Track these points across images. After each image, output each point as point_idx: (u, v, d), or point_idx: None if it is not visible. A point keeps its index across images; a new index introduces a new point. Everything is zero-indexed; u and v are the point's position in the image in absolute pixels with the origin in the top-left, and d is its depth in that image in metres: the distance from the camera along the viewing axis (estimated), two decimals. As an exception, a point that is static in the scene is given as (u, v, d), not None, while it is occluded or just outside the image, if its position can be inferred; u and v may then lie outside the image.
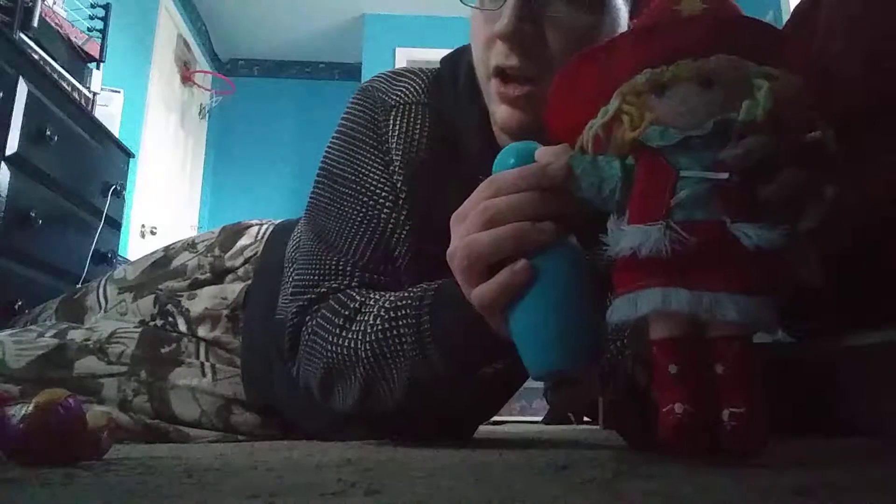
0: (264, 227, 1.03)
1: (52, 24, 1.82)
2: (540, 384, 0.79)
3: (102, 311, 0.98)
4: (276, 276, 0.81)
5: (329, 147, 0.77)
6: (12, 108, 1.43)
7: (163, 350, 0.89)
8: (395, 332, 0.59)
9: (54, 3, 1.97)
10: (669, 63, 0.41)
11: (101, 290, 1.01)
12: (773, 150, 0.39)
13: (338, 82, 4.76)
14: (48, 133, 1.54)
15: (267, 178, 4.57)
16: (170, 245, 1.07)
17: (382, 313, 0.61)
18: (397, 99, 0.74)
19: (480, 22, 0.64)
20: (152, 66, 3.53)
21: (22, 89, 1.46)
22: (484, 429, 1.28)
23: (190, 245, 1.04)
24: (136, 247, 3.14)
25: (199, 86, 4.32)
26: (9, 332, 0.92)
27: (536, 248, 0.45)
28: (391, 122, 0.73)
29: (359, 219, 0.70)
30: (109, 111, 2.10)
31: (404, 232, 0.70)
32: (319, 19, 4.34)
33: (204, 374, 0.89)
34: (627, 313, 0.39)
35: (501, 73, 0.62)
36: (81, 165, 1.78)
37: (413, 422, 0.69)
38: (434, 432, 0.72)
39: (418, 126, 0.72)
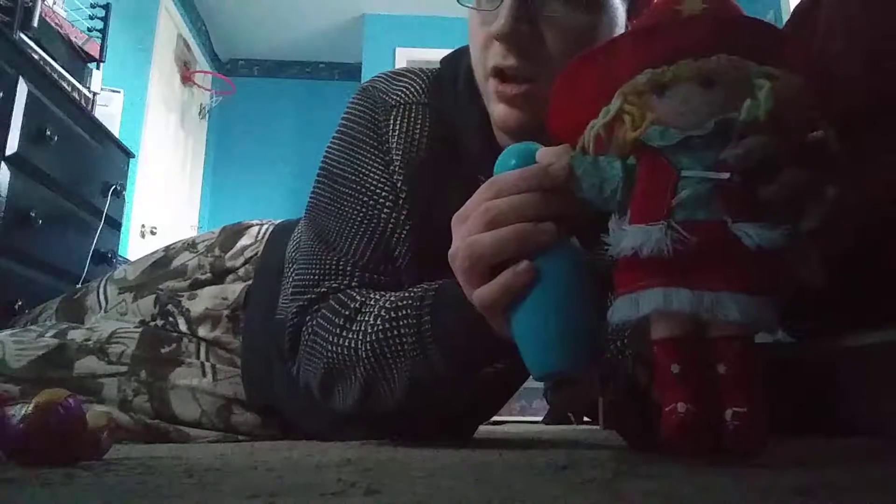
0: (265, 227, 1.04)
1: (52, 24, 1.82)
2: (540, 384, 0.79)
3: (103, 311, 0.98)
4: (277, 277, 0.81)
5: (329, 147, 0.77)
6: (12, 108, 1.43)
7: (163, 350, 0.89)
8: (395, 332, 0.59)
9: (54, 3, 1.97)
10: (670, 63, 0.41)
11: (101, 291, 1.01)
12: (773, 150, 0.39)
13: (338, 82, 4.76)
14: (48, 133, 1.54)
15: (267, 178, 4.57)
16: (170, 245, 1.07)
17: (383, 313, 0.61)
18: (398, 99, 0.74)
19: (477, 22, 0.64)
20: (152, 66, 3.53)
21: (22, 89, 1.46)
22: (484, 429, 1.28)
23: (190, 245, 1.04)
24: (136, 247, 3.14)
25: (199, 86, 4.32)
26: (9, 332, 0.92)
27: (538, 249, 0.45)
28: (391, 121, 0.73)
29: (359, 218, 0.70)
30: (109, 111, 2.10)
31: (404, 232, 0.70)
32: (319, 19, 4.34)
33: (204, 374, 0.89)
34: (629, 313, 0.39)
35: (499, 73, 0.62)
36: (81, 165, 1.78)
37: (413, 422, 0.69)
38: (434, 432, 0.72)
39: (418, 126, 0.72)
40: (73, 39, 1.95)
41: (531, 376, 0.49)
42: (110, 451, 0.50)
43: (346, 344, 0.63)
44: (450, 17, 3.75)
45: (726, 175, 0.39)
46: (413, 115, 0.73)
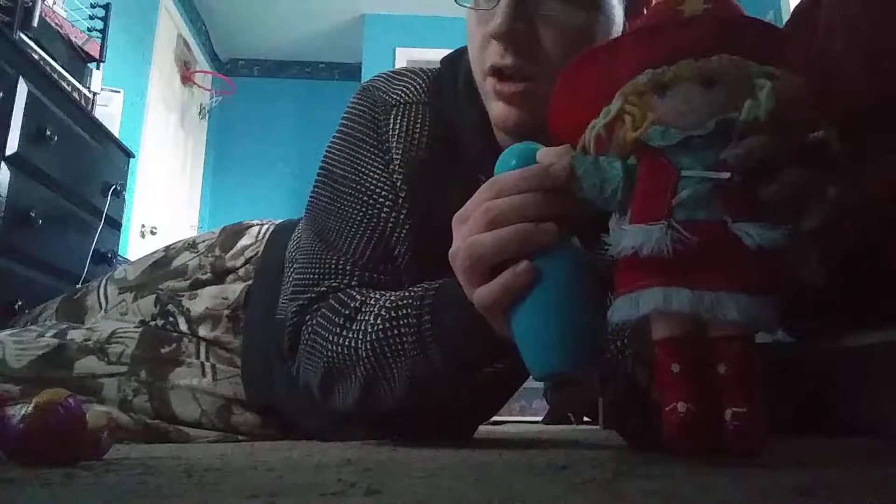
0: (265, 227, 1.04)
1: (52, 24, 1.82)
2: (540, 384, 0.79)
3: (103, 311, 0.98)
4: (277, 277, 0.81)
5: (329, 146, 0.77)
6: (12, 108, 1.43)
7: (163, 350, 0.89)
8: (395, 331, 0.59)
9: (54, 3, 1.97)
10: (671, 63, 0.41)
11: (101, 291, 1.01)
12: (774, 149, 0.39)
13: (338, 82, 4.76)
14: (48, 133, 1.54)
15: (267, 178, 4.57)
16: (170, 245, 1.07)
17: (383, 313, 0.61)
18: (398, 98, 0.74)
19: (475, 22, 0.64)
20: (152, 66, 3.53)
21: (22, 89, 1.46)
22: (484, 429, 1.28)
23: (191, 245, 1.04)
24: (136, 247, 3.14)
25: (199, 86, 4.32)
26: (9, 331, 0.92)
27: (539, 250, 0.45)
28: (391, 120, 0.73)
29: (359, 218, 0.71)
30: (109, 111, 2.10)
31: (404, 231, 0.70)
32: (319, 19, 4.34)
33: (204, 374, 0.89)
34: (629, 313, 0.39)
35: (497, 72, 0.62)
36: (81, 165, 1.78)
37: (413, 421, 0.69)
38: (434, 432, 0.72)
39: (419, 125, 0.72)
40: (73, 39, 1.95)
41: (531, 376, 0.49)
42: (110, 451, 0.50)
43: (346, 343, 0.63)
44: (450, 17, 3.74)
45: (727, 175, 0.39)
46: (413, 114, 0.73)
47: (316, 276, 0.69)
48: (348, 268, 0.69)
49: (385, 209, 0.70)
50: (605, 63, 0.44)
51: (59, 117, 1.63)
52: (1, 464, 0.43)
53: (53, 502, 0.30)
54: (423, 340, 0.57)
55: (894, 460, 0.47)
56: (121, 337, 0.89)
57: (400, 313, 0.59)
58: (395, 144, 0.72)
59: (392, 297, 0.62)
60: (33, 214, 1.49)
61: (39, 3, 1.67)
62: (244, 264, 0.98)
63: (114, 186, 1.88)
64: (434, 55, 3.05)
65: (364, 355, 0.61)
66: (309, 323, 0.67)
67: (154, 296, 0.95)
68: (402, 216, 0.70)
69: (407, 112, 0.73)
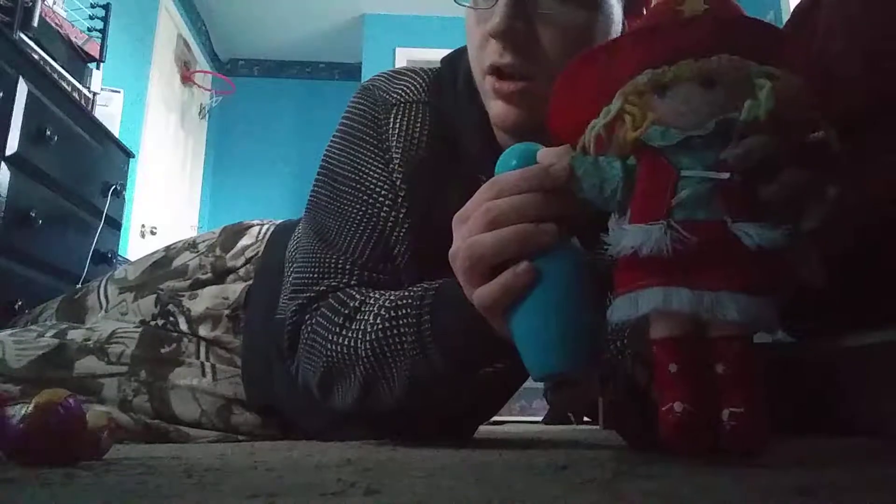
0: (265, 227, 1.04)
1: (52, 24, 1.82)
2: (540, 384, 0.78)
3: (103, 311, 0.98)
4: (277, 277, 0.81)
5: (330, 145, 0.77)
6: (12, 108, 1.43)
7: (163, 350, 0.89)
8: (395, 331, 0.59)
9: (54, 3, 1.97)
10: (671, 63, 0.41)
11: (101, 291, 1.01)
12: (774, 149, 0.39)
13: (338, 82, 4.76)
14: (48, 133, 1.54)
15: (267, 178, 4.57)
16: (170, 245, 1.07)
17: (383, 312, 0.61)
18: (398, 97, 0.74)
19: (474, 21, 0.64)
20: (152, 66, 3.53)
21: (22, 89, 1.46)
22: (484, 429, 1.28)
23: (191, 245, 1.04)
24: (136, 247, 3.14)
25: (199, 86, 4.32)
26: (9, 331, 0.92)
27: (539, 250, 0.45)
28: (392, 120, 0.73)
29: (358, 217, 0.71)
30: (109, 111, 2.10)
31: (403, 230, 0.70)
32: (319, 19, 4.34)
33: (204, 374, 0.89)
34: (628, 312, 0.39)
35: (496, 71, 0.62)
36: (81, 165, 1.78)
37: (413, 421, 0.69)
38: (434, 432, 0.72)
39: (419, 124, 0.72)
40: (73, 39, 1.95)
41: (531, 376, 0.49)
42: (110, 451, 0.50)
43: (346, 343, 0.63)
44: (450, 17, 3.74)
45: (726, 175, 0.39)
46: (413, 113, 0.73)
47: (315, 275, 0.69)
48: (348, 267, 0.69)
49: (385, 208, 0.70)
50: (605, 63, 0.44)
51: (59, 117, 1.63)
52: (1, 464, 0.43)
53: (53, 502, 0.30)
54: (423, 340, 0.57)
55: (894, 460, 0.47)
56: (121, 337, 0.89)
57: (399, 313, 0.59)
58: (395, 143, 0.72)
59: (392, 297, 0.62)
60: (33, 214, 1.49)
61: (39, 3, 1.67)
62: (244, 264, 0.98)
63: (114, 186, 1.88)
64: (434, 55, 3.05)
65: (363, 355, 0.61)
66: (308, 322, 0.67)
67: (154, 296, 0.95)
68: (401, 215, 0.70)
69: (407, 111, 0.73)
